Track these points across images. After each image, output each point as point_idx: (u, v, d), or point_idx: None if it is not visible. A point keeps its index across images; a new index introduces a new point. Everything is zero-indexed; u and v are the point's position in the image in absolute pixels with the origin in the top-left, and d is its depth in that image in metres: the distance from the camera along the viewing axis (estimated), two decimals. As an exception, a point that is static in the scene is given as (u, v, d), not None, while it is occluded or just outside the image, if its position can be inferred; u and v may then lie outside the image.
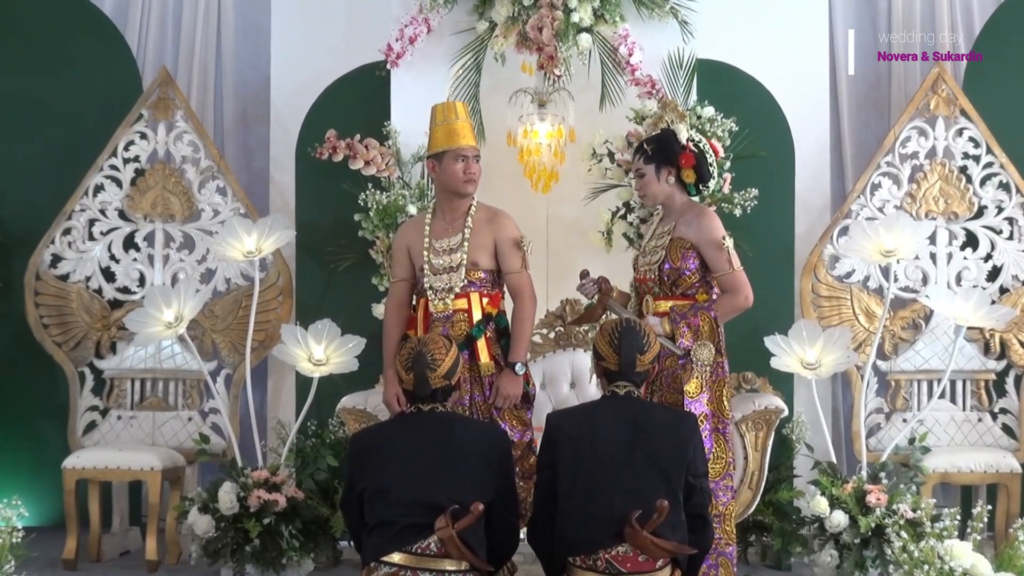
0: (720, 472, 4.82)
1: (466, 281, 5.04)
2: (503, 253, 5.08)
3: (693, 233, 4.93)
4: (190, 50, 7.50)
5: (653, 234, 5.13)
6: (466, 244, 5.05)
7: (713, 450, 4.83)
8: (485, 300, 5.05)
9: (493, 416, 4.98)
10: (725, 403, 4.89)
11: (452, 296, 5.04)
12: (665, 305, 4.94)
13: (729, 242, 4.89)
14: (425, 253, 5.09)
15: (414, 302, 5.23)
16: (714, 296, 4.96)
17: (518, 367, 5.02)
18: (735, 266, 4.90)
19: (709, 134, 6.39)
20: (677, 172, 5.00)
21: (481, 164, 5.15)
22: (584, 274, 5.15)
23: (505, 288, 5.17)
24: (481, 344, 5.02)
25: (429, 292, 5.08)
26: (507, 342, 5.09)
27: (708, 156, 5.03)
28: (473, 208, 5.12)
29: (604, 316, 5.20)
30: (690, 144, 4.99)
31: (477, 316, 5.02)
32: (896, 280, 6.54)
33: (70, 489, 6.34)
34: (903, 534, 5.03)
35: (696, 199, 5.14)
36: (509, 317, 5.13)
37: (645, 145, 5.07)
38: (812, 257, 6.70)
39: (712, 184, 5.16)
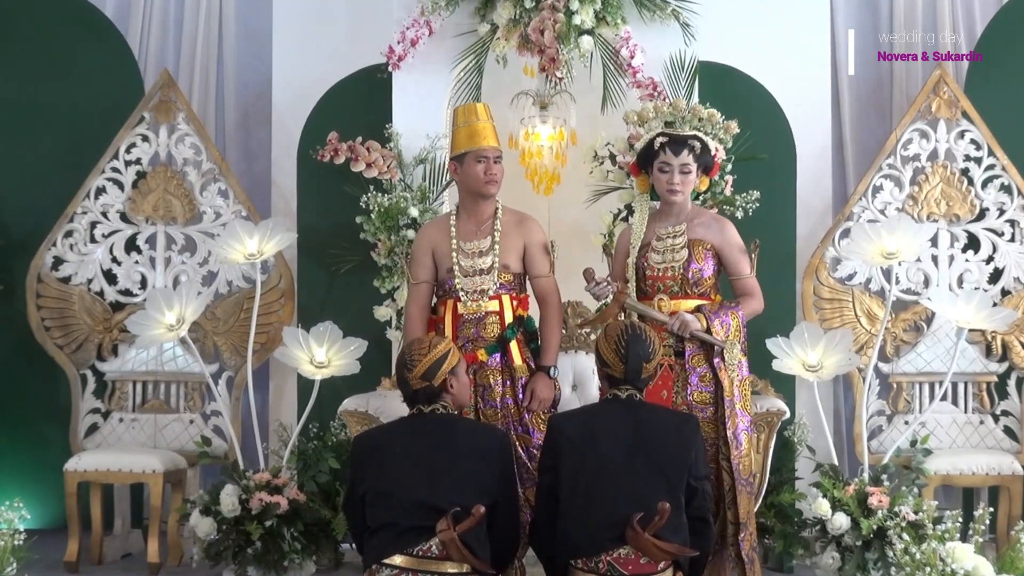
0: (749, 468, 4.89)
1: (498, 284, 5.07)
2: (532, 257, 5.13)
3: (715, 236, 5.03)
4: (191, 52, 7.52)
5: (658, 235, 5.10)
6: (497, 247, 5.07)
7: (744, 448, 4.90)
8: (515, 303, 5.10)
9: (525, 419, 4.99)
10: (748, 402, 4.99)
11: (486, 298, 5.07)
12: (686, 305, 4.99)
13: (752, 251, 5.05)
14: (454, 255, 5.11)
15: (433, 303, 5.23)
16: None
17: (552, 371, 5.07)
18: (755, 272, 5.06)
19: (711, 136, 6.40)
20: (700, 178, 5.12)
21: (503, 165, 5.17)
22: (590, 274, 5.05)
23: (530, 291, 5.20)
24: (514, 346, 5.06)
25: (460, 293, 5.09)
26: (536, 346, 5.13)
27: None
28: (500, 211, 5.14)
29: (620, 316, 5.17)
30: (717, 155, 5.10)
31: (509, 318, 5.06)
32: (898, 282, 6.54)
33: (72, 492, 6.33)
34: (905, 536, 5.02)
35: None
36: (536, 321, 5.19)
37: (696, 142, 5.08)
38: (814, 259, 6.70)
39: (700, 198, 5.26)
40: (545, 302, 5.16)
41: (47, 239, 6.90)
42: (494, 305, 5.07)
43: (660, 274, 5.05)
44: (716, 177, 6.39)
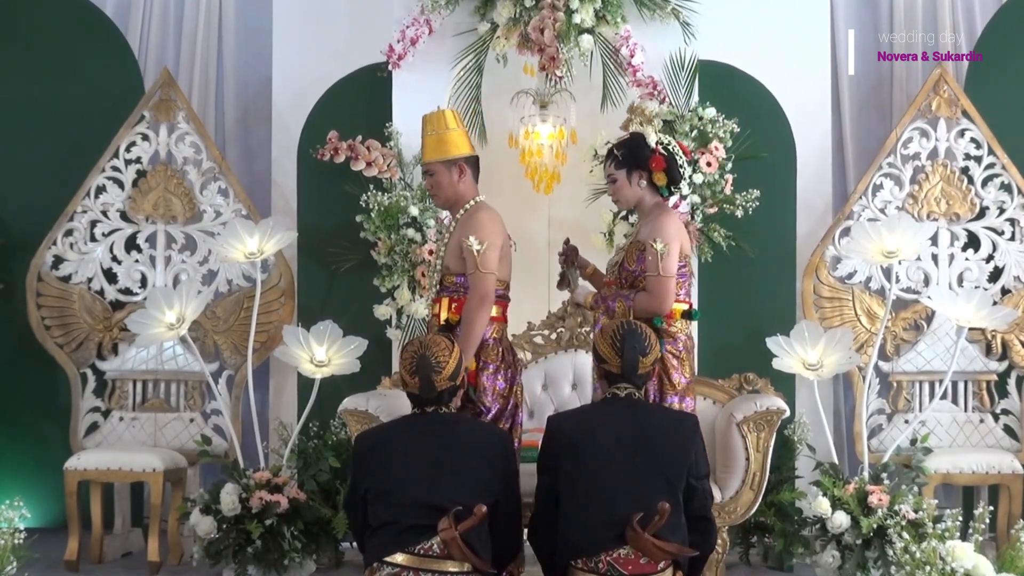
0: None
1: (439, 286, 5.03)
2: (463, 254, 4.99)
3: (646, 235, 4.97)
4: (191, 51, 7.51)
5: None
6: (443, 249, 5.04)
7: None
8: (453, 306, 4.97)
9: None
10: None
11: (430, 300, 5.06)
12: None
13: (660, 247, 4.87)
14: (438, 256, 5.11)
15: None
16: (676, 299, 4.92)
17: None
18: (661, 271, 4.87)
19: (711, 135, 6.41)
20: (649, 175, 5.02)
21: (439, 177, 5.03)
22: (566, 242, 5.25)
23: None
24: None
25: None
26: None
27: (678, 158, 5.04)
28: (462, 211, 5.06)
29: (572, 285, 5.25)
30: (659, 147, 5.00)
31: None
32: (898, 281, 6.54)
33: (72, 490, 6.33)
34: (905, 535, 5.04)
35: (670, 199, 5.16)
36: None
37: (615, 150, 5.07)
38: (814, 258, 6.70)
39: (684, 185, 5.16)
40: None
41: (47, 238, 6.90)
42: (436, 308, 5.02)
43: (608, 278, 5.12)
44: (717, 175, 6.41)
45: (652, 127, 5.06)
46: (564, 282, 5.32)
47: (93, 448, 6.65)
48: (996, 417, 6.69)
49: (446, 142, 5.06)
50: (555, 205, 6.96)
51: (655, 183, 5.03)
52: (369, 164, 6.62)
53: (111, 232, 6.96)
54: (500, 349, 4.96)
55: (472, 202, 5.06)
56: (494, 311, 4.95)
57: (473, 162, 5.11)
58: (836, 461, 6.15)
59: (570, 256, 5.27)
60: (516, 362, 5.06)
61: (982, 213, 6.74)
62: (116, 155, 6.96)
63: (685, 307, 4.98)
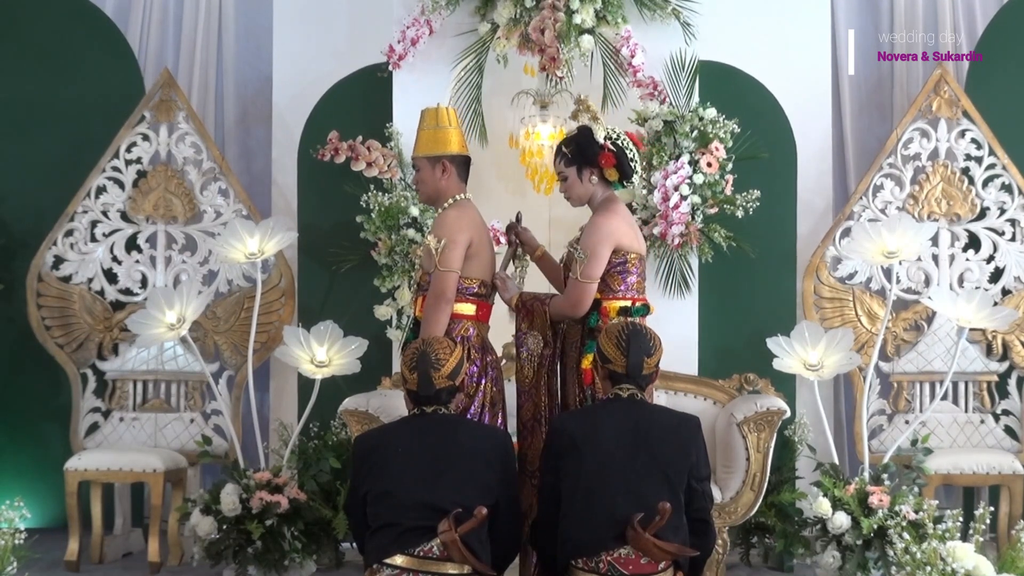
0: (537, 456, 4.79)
1: (416, 285, 5.07)
2: None
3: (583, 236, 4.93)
4: (191, 51, 7.51)
5: None
6: (420, 249, 5.07)
7: (534, 439, 4.88)
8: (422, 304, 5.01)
9: None
10: (542, 396, 4.91)
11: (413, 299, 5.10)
12: None
13: (579, 254, 4.82)
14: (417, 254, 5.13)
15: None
16: (613, 296, 4.84)
17: None
18: (580, 275, 4.81)
19: (711, 136, 6.40)
20: (600, 171, 4.93)
21: (423, 173, 5.06)
22: (517, 218, 5.18)
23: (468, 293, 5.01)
24: None
25: None
26: None
27: (628, 152, 4.92)
28: (440, 210, 5.08)
29: (517, 266, 5.16)
30: (608, 143, 4.89)
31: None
32: (898, 281, 6.54)
33: (72, 491, 6.33)
34: (905, 535, 5.03)
35: (620, 191, 5.08)
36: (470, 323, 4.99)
37: (563, 147, 4.99)
38: (814, 258, 6.70)
39: (636, 179, 5.09)
40: None
41: (48, 238, 6.89)
42: (416, 307, 5.04)
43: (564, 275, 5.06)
44: (717, 175, 6.41)
45: (600, 123, 4.96)
46: (506, 263, 5.17)
47: (93, 448, 6.65)
48: (996, 418, 6.69)
49: (435, 139, 5.06)
50: (555, 205, 6.94)
51: (607, 178, 4.95)
52: (369, 164, 6.62)
53: (111, 232, 6.96)
54: (468, 347, 4.88)
55: (450, 200, 5.05)
56: (468, 309, 4.93)
57: (460, 161, 5.07)
58: (836, 462, 6.15)
59: (517, 234, 5.13)
60: (492, 362, 4.99)
61: (983, 214, 6.74)
62: (116, 155, 6.95)
63: (625, 304, 4.83)
